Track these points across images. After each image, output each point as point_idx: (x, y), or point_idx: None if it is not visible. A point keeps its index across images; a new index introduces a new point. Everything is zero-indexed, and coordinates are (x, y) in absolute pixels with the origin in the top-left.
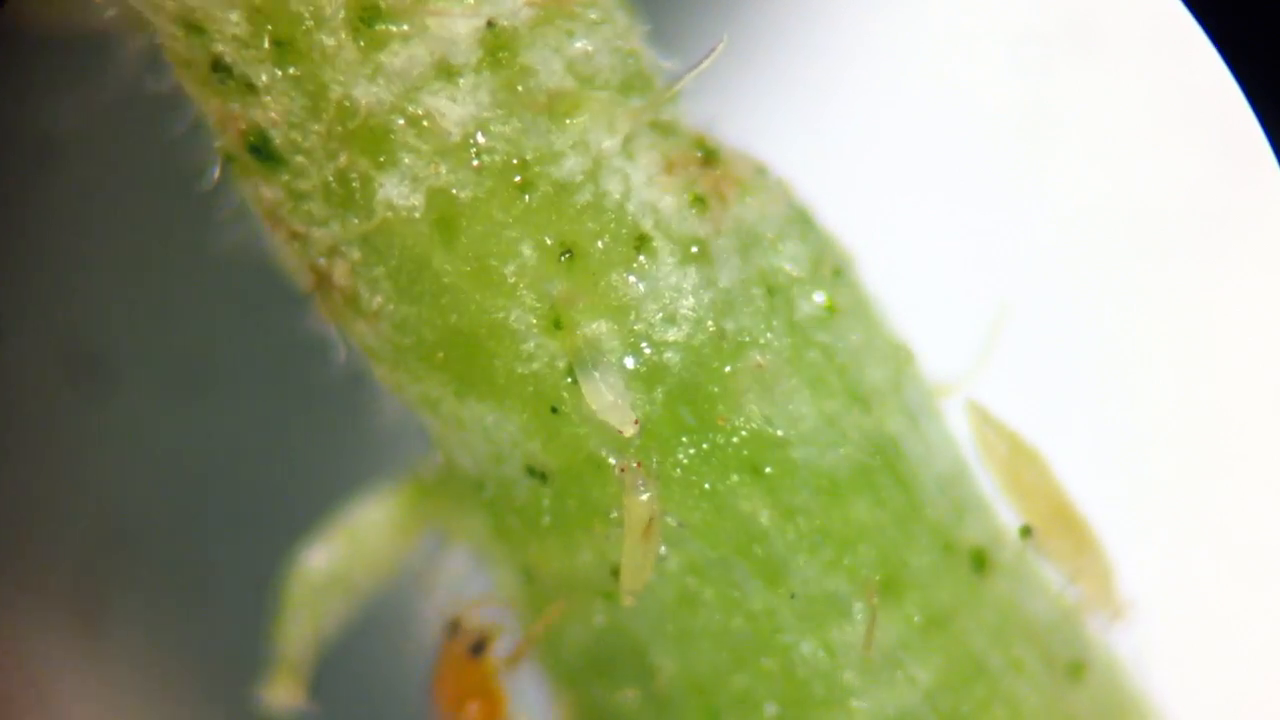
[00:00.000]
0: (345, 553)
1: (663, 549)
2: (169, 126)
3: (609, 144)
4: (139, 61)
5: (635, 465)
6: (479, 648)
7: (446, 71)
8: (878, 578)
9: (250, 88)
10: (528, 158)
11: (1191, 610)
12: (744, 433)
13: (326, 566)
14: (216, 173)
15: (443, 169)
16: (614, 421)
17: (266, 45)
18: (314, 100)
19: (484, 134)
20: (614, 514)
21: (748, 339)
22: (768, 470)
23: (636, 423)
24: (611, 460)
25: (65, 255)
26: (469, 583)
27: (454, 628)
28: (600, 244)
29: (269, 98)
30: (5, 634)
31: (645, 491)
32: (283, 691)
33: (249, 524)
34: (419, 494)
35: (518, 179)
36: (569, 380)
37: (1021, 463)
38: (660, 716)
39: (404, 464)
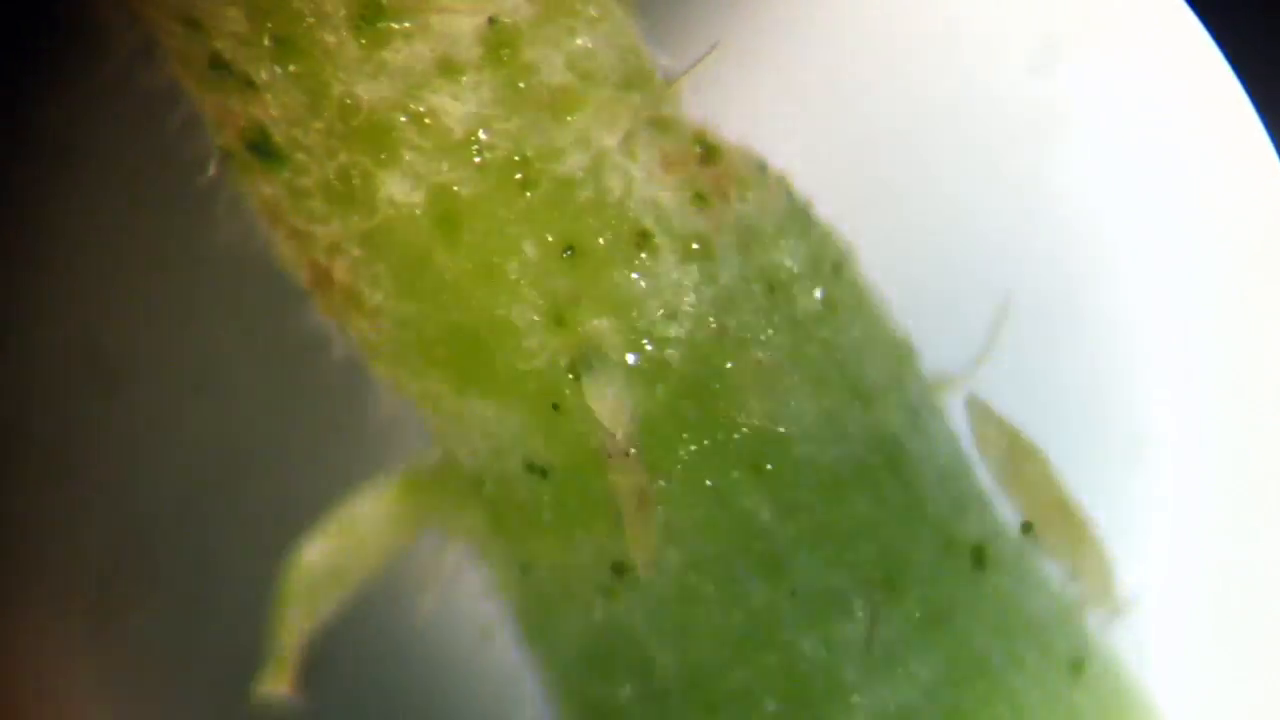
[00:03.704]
0: (342, 547)
1: (661, 516)
2: (164, 121)
3: (610, 141)
4: (132, 55)
5: (615, 435)
6: None
7: (448, 69)
8: (878, 574)
9: (250, 85)
10: (529, 155)
11: (1191, 606)
12: (745, 429)
13: (323, 560)
14: (213, 169)
15: (444, 166)
16: (610, 426)
17: (267, 42)
18: (315, 98)
19: (486, 131)
20: (608, 495)
21: (748, 335)
22: (768, 467)
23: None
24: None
25: (61, 255)
26: (466, 578)
27: None
28: (602, 241)
29: (269, 95)
30: (10, 631)
31: (630, 453)
32: (277, 684)
33: (248, 518)
34: (417, 489)
35: (519, 176)
36: (570, 377)
37: (1022, 459)
38: (659, 712)
39: (403, 459)
